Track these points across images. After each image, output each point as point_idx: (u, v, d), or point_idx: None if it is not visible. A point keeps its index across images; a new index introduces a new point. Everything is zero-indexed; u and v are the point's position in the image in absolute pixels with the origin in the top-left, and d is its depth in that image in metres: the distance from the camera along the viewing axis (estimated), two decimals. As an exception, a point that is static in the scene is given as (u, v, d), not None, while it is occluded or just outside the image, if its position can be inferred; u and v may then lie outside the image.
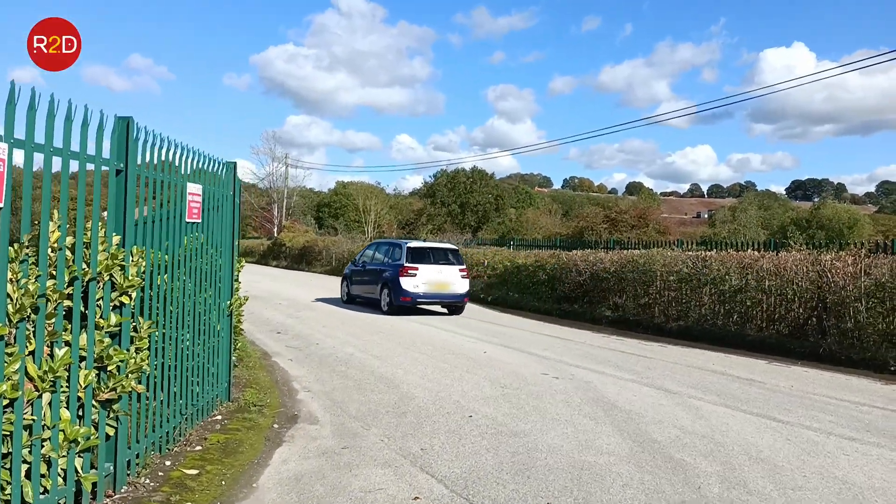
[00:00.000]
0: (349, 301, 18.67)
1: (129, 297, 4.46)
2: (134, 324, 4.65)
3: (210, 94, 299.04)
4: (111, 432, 4.38)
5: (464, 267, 17.00)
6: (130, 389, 4.36)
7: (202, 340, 6.29)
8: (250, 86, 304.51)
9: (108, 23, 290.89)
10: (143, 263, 4.62)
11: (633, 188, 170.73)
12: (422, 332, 12.77)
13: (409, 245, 16.95)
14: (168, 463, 5.08)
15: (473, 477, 5.01)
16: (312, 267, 35.88)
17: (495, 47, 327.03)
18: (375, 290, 17.09)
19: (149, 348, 4.77)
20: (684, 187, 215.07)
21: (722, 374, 9.41)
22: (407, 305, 16.03)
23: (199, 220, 5.94)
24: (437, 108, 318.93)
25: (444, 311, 16.91)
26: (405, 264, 16.10)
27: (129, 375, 4.53)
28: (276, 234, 51.78)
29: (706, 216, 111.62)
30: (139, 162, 4.66)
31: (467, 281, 16.79)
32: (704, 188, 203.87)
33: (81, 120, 3.92)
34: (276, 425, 6.35)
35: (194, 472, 4.93)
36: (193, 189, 5.72)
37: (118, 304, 4.41)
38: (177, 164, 5.39)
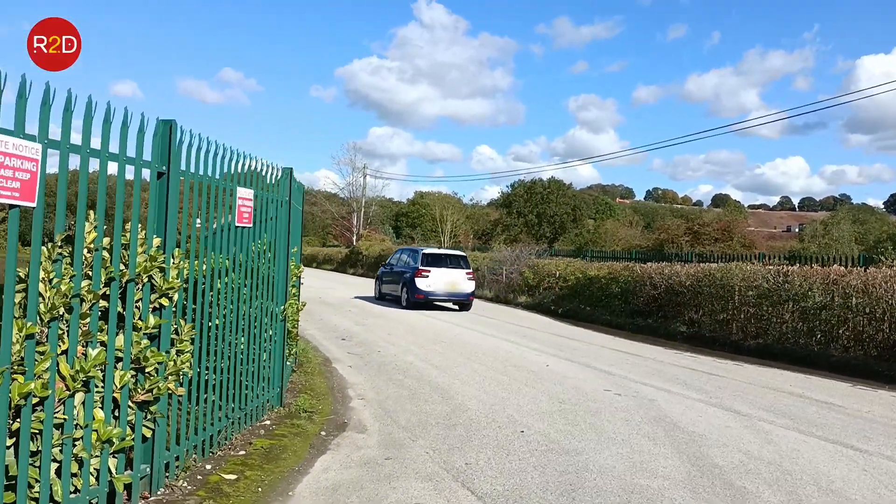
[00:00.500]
0: (380, 298, 21.49)
1: (170, 299, 4.47)
2: (175, 326, 4.66)
3: (297, 106, 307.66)
4: (148, 434, 4.38)
5: (470, 270, 19.89)
6: (168, 392, 4.35)
7: (254, 345, 6.31)
8: (336, 98, 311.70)
9: (202, 37, 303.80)
10: (186, 266, 4.62)
11: (720, 200, 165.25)
12: (484, 344, 12.57)
13: (424, 251, 19.98)
14: (209, 467, 5.07)
15: (515, 496, 4.79)
16: (387, 275, 36.15)
17: (577, 57, 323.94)
18: (398, 288, 20.06)
19: (191, 351, 4.78)
20: (774, 200, 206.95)
21: (799, 396, 8.84)
22: (421, 301, 19.02)
23: (251, 225, 5.95)
24: (518, 119, 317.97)
25: (510, 322, 16.70)
26: (420, 267, 19.15)
27: (169, 378, 4.56)
28: (354, 243, 52.50)
29: (797, 230, 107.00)
30: (183, 166, 4.68)
31: (473, 282, 19.84)
32: (795, 201, 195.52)
33: (121, 122, 3.95)
34: (323, 432, 6.29)
35: (233, 477, 4.90)
36: (244, 193, 5.73)
37: (158, 307, 4.42)
38: (225, 169, 5.42)
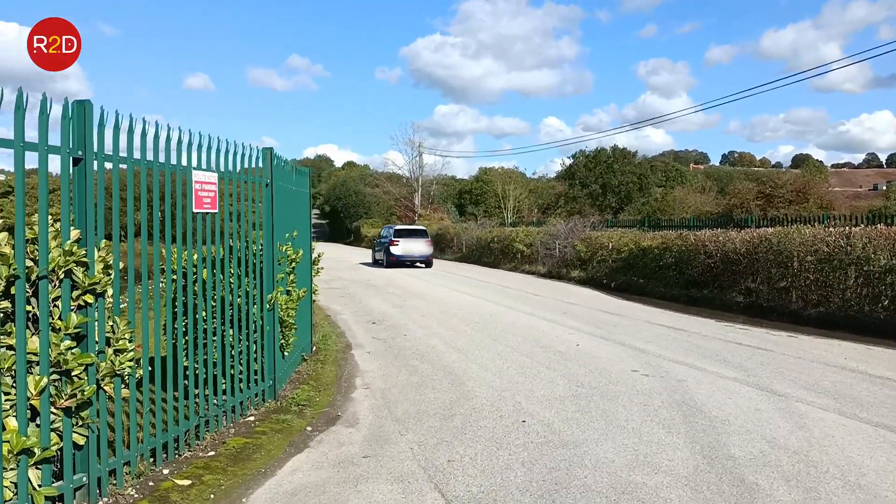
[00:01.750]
0: (373, 263, 29.88)
1: (96, 296, 4.13)
2: (111, 324, 4.34)
3: (363, 89, 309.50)
4: (81, 441, 4.08)
5: (428, 239, 28.67)
6: (91, 395, 4.02)
7: (238, 336, 5.99)
8: (400, 79, 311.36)
9: (270, 26, 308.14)
10: (111, 259, 4.28)
11: (800, 161, 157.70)
12: (519, 323, 12.01)
13: (395, 228, 29.36)
14: (167, 471, 4.76)
15: (488, 499, 4.30)
16: (444, 254, 35.78)
17: (646, 20, 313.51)
18: (381, 254, 28.93)
19: (133, 350, 4.45)
20: (860, 158, 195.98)
21: (852, 371, 7.98)
22: (394, 262, 27.35)
23: (215, 210, 5.59)
24: (586, 88, 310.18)
25: (555, 298, 16.07)
26: (392, 239, 28.00)
27: (105, 380, 4.24)
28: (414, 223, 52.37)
29: (884, 188, 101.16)
30: (109, 151, 4.33)
31: (431, 248, 28.61)
32: (883, 157, 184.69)
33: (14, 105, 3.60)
34: (309, 428, 5.93)
35: (187, 483, 4.58)
36: (202, 177, 5.37)
37: (83, 304, 4.09)
38: (176, 152, 5.05)
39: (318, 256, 10.53)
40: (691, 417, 6.04)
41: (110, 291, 4.32)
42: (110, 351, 4.30)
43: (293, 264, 7.69)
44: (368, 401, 6.83)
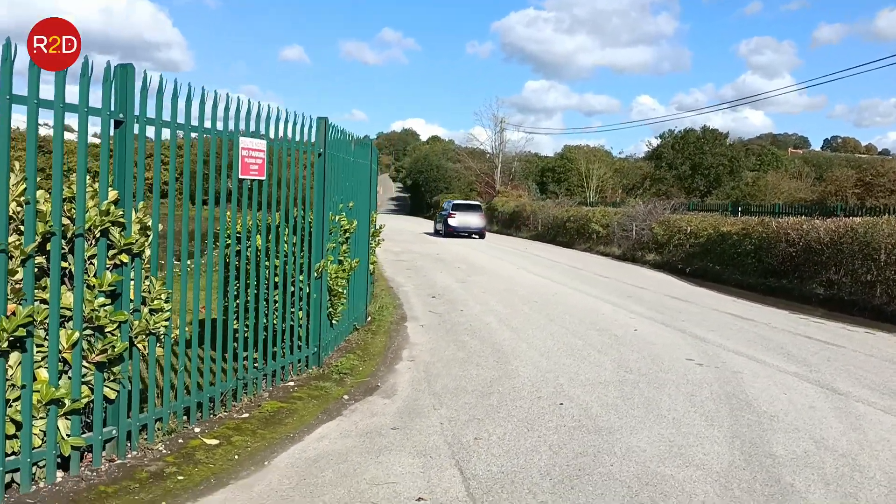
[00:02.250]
0: (434, 233, 33.96)
1: (132, 255, 4.25)
2: (147, 283, 4.46)
3: (454, 63, 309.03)
4: (112, 395, 4.24)
5: (482, 214, 32.86)
6: (123, 351, 4.16)
7: (286, 303, 6.10)
8: (492, 52, 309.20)
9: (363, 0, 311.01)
10: (149, 220, 4.39)
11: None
12: (580, 304, 11.80)
13: (454, 202, 33.89)
14: (198, 430, 4.90)
15: (507, 480, 4.24)
16: (520, 232, 35.55)
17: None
18: (441, 225, 32.83)
19: (170, 310, 4.58)
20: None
21: (929, 373, 7.47)
22: (452, 233, 31.31)
23: (263, 178, 5.66)
24: (683, 66, 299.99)
25: (625, 281, 15.71)
26: (450, 212, 31.93)
27: (139, 338, 4.38)
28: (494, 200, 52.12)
29: None
30: (152, 114, 4.42)
31: (484, 221, 32.40)
32: None
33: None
34: (346, 396, 5.99)
35: (215, 442, 4.70)
36: (249, 144, 5.44)
37: (118, 264, 4.22)
38: (222, 117, 5.13)
39: (380, 228, 10.59)
40: (738, 411, 5.78)
41: (148, 252, 4.45)
42: (145, 310, 4.43)
43: (347, 234, 7.75)
44: (410, 373, 6.85)
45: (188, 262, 7.76)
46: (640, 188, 58.19)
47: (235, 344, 5.53)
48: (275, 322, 6.00)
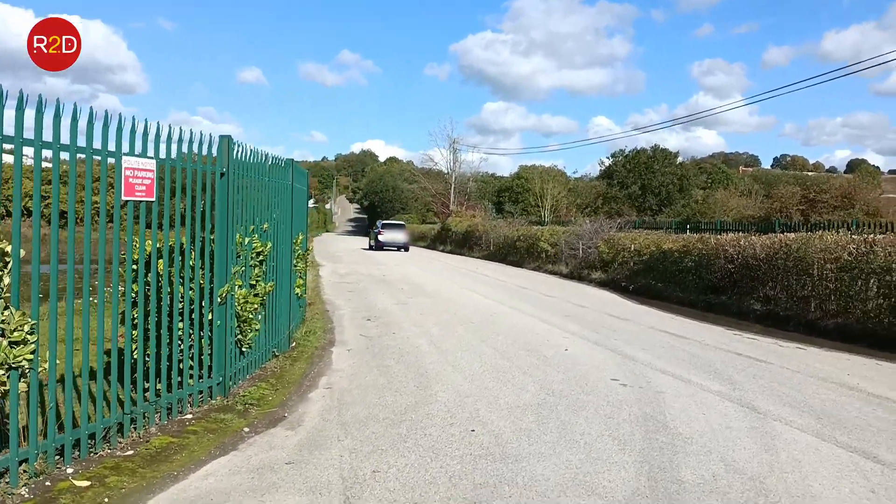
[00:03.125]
0: (369, 248, 39.74)
1: (-16, 284, 3.93)
2: (5, 315, 4.13)
3: (412, 84, 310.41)
4: (-37, 437, 3.89)
5: (405, 231, 39.70)
6: (-28, 390, 3.82)
7: (184, 330, 5.78)
8: (450, 75, 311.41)
9: (321, 21, 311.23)
10: (7, 247, 4.07)
11: (855, 166, 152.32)
12: (518, 325, 11.63)
13: (382, 222, 41.66)
14: (71, 470, 4.52)
15: (395, 516, 3.98)
16: (472, 252, 35.49)
17: (702, 20, 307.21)
18: (373, 240, 39.13)
19: (34, 342, 4.24)
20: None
21: (851, 388, 7.43)
22: (381, 246, 37.14)
23: (152, 199, 5.36)
24: (637, 88, 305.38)
25: (567, 300, 15.62)
26: (380, 229, 38.75)
27: (-5, 373, 4.04)
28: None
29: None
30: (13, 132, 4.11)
31: (407, 237, 39.18)
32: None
33: None
34: (247, 429, 5.67)
35: (85, 484, 4.34)
36: (134, 164, 5.14)
37: (-32, 293, 3.89)
38: (102, 136, 4.83)
39: (307, 251, 10.31)
40: (653, 433, 5.62)
41: (7, 280, 4.12)
42: (4, 342, 4.10)
43: (261, 257, 7.46)
44: (323, 401, 6.56)
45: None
46: (594, 207, 58.73)
47: (119, 378, 5.19)
48: (169, 351, 5.67)
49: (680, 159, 64.56)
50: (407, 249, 37.59)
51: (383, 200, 71.94)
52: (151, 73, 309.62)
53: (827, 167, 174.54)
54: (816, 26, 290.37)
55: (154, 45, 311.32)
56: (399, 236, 37.96)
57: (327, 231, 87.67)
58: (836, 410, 6.46)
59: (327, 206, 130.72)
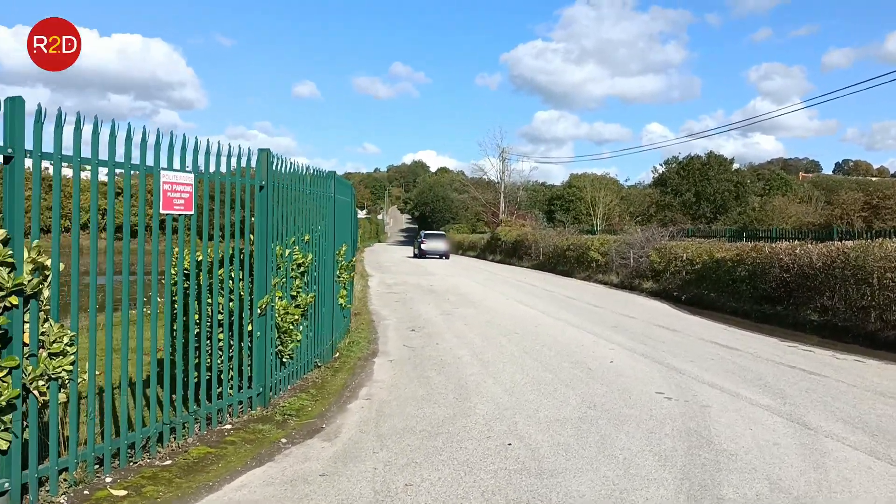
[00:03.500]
0: (413, 256, 43.21)
1: (23, 297, 4.02)
2: (46, 326, 4.23)
3: (464, 95, 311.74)
4: (4, 446, 3.98)
5: (447, 240, 44.35)
6: (13, 398, 3.91)
7: (226, 342, 5.85)
8: (501, 84, 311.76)
9: (374, 35, 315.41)
10: (46, 259, 4.17)
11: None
12: (562, 336, 11.47)
13: (424, 232, 47.61)
14: (110, 479, 4.62)
15: (424, 531, 3.93)
16: (522, 261, 35.25)
17: (760, 24, 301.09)
18: (416, 249, 43.08)
19: (73, 353, 4.34)
20: None
21: (911, 404, 7.09)
22: (423, 254, 41.20)
23: (190, 212, 5.45)
24: (692, 94, 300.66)
25: (616, 311, 15.36)
26: (423, 239, 43.26)
27: (35, 383, 4.14)
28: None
29: None
30: (49, 148, 4.23)
31: (448, 245, 42.76)
32: None
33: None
34: (284, 439, 5.70)
35: (122, 493, 4.42)
36: (172, 178, 5.23)
37: (8, 306, 3.99)
38: (137, 151, 4.93)
39: (349, 263, 10.36)
40: (696, 449, 5.44)
41: (47, 293, 4.22)
42: (44, 354, 4.20)
43: (302, 269, 7.52)
44: (361, 413, 6.55)
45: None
46: (645, 215, 57.83)
47: (160, 388, 5.26)
48: (209, 362, 5.75)
49: (736, 165, 63.12)
50: (448, 257, 40.82)
51: (434, 210, 72.20)
52: (209, 89, 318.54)
53: (892, 172, 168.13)
54: (879, 27, 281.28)
55: (212, 61, 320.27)
56: (440, 245, 41.67)
57: (379, 241, 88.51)
58: (893, 427, 6.16)
59: (379, 217, 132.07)
